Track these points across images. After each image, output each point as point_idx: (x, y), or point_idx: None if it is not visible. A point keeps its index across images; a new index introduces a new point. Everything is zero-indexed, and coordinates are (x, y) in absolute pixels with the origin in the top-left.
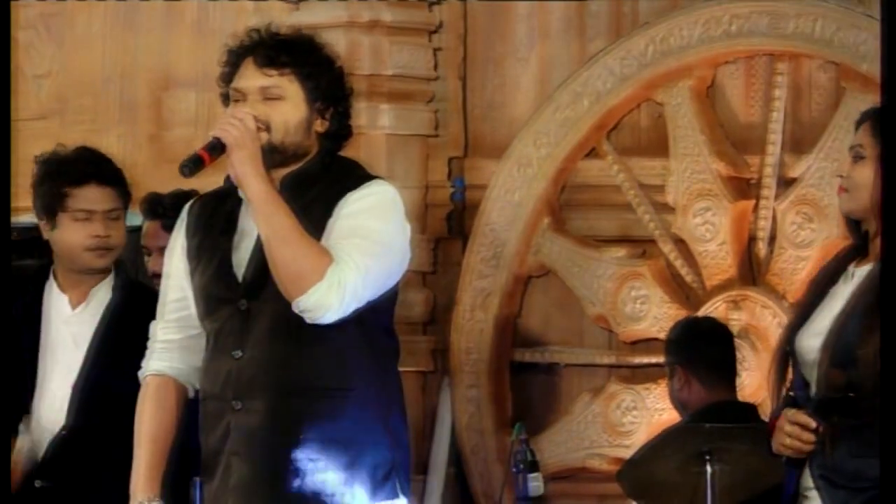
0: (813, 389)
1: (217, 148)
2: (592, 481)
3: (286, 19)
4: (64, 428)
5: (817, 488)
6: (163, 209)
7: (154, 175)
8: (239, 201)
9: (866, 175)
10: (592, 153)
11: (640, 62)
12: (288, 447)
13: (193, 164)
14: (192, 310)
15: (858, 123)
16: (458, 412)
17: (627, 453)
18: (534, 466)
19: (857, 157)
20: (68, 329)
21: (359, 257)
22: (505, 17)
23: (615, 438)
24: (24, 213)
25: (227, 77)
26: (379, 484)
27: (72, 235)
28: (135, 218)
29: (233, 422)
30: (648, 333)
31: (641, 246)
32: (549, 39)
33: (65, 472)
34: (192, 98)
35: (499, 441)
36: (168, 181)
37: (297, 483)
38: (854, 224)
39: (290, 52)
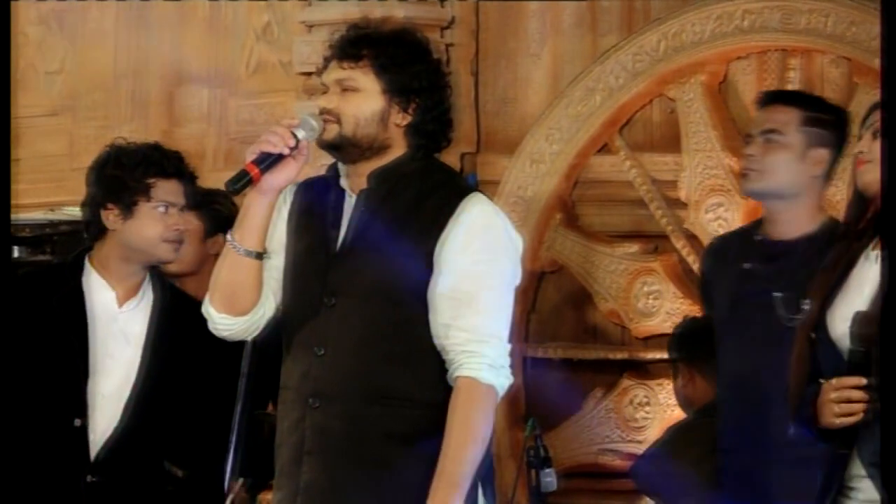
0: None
1: (264, 161)
2: (605, 477)
3: (298, 16)
4: (120, 426)
5: (870, 476)
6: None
7: None
8: (342, 193)
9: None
10: (605, 149)
11: (653, 58)
12: (368, 456)
13: (239, 180)
14: (277, 279)
15: (873, 108)
16: None
17: (640, 449)
18: (547, 462)
19: (876, 134)
20: (117, 325)
21: (489, 336)
22: (517, 13)
23: (628, 434)
24: (35, 210)
25: (321, 72)
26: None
27: (152, 226)
28: None
29: (308, 419)
30: (661, 329)
31: (654, 241)
32: (562, 35)
33: (118, 469)
34: (205, 94)
35: (511, 437)
36: None
37: (374, 496)
38: (862, 202)
39: (369, 44)
